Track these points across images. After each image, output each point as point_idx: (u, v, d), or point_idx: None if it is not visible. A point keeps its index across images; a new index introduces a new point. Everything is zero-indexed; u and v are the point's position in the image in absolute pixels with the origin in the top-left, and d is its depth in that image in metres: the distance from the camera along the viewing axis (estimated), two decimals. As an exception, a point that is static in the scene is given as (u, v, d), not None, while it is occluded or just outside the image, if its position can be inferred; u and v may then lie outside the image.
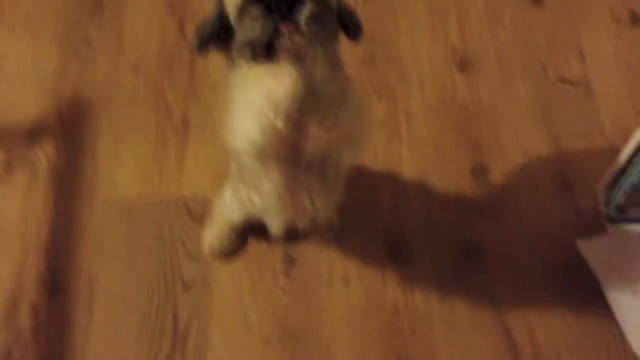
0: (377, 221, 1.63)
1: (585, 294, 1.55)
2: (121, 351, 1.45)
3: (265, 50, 1.01)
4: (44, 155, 1.69)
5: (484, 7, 2.00)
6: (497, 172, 1.72)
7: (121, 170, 1.68)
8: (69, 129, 1.74)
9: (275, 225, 1.36)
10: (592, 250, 1.57)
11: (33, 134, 1.73)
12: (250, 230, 1.54)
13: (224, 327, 1.50)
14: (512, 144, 1.76)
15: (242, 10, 1.02)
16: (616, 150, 1.62)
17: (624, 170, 1.55)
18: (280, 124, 0.99)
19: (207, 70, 1.86)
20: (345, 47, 1.89)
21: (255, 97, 0.99)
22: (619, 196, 1.56)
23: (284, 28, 1.00)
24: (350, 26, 1.13)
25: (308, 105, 0.99)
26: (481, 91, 1.85)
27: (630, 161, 1.52)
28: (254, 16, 1.00)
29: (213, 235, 1.56)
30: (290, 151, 1.07)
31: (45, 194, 1.64)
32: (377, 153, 1.73)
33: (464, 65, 1.89)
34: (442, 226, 1.64)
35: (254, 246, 1.59)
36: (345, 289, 1.55)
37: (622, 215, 1.59)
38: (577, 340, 1.51)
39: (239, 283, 1.55)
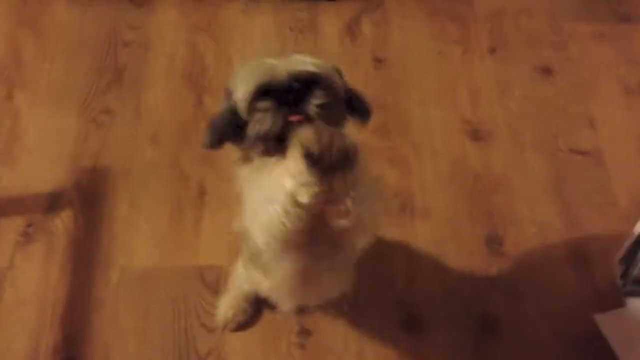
0: (392, 293, 1.63)
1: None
2: None
3: (277, 143, 1.02)
4: (62, 224, 1.72)
5: (494, 78, 2.04)
6: (512, 243, 1.72)
7: (138, 239, 1.70)
8: (87, 199, 1.77)
9: (285, 306, 1.38)
10: (609, 324, 1.56)
11: (52, 203, 1.75)
12: (264, 301, 1.54)
13: (238, 400, 1.50)
14: (526, 215, 1.77)
15: (251, 104, 1.04)
16: (630, 221, 1.63)
17: (638, 244, 1.55)
18: (301, 217, 0.98)
19: (224, 140, 1.89)
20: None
21: (274, 193, 0.98)
22: (636, 269, 1.56)
23: (294, 119, 1.01)
24: (359, 110, 1.15)
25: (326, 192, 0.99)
26: (493, 162, 1.87)
27: (644, 235, 1.53)
28: (264, 109, 1.03)
29: (227, 305, 1.56)
30: (308, 239, 1.06)
31: (63, 264, 1.65)
32: (390, 223, 1.74)
33: (476, 136, 1.92)
34: (457, 298, 1.63)
35: (268, 317, 1.59)
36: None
37: (638, 287, 1.59)
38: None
39: (253, 355, 1.54)
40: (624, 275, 1.61)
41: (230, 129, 1.08)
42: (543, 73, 2.07)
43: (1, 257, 1.65)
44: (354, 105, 1.14)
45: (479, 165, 1.86)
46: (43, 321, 1.56)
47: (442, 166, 1.86)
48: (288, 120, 1.02)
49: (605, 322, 1.57)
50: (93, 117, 1.92)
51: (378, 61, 2.08)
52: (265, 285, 1.30)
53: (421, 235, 1.73)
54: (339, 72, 1.12)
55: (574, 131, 1.94)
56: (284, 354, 1.54)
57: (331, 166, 0.93)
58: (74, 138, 1.88)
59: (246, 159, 1.11)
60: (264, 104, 1.03)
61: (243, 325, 1.57)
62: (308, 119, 1.02)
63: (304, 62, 1.06)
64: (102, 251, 1.68)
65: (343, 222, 1.02)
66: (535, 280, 1.66)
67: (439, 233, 1.73)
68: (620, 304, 1.60)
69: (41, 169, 1.82)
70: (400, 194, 1.80)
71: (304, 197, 0.95)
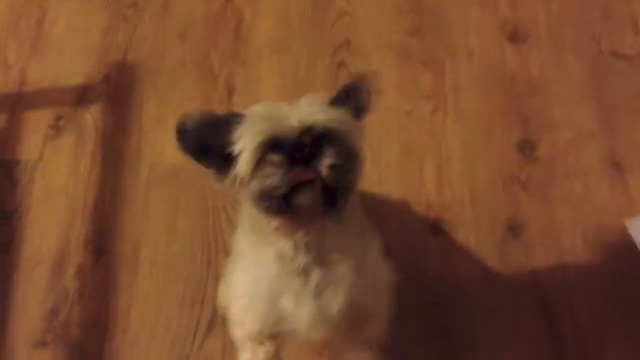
0: (421, 194, 1.62)
1: (631, 275, 1.52)
2: (164, 315, 1.47)
3: (282, 202, 0.93)
4: (92, 118, 1.72)
5: (536, -23, 1.95)
6: (545, 147, 1.68)
7: (167, 136, 1.68)
8: (116, 93, 1.76)
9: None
10: (638, 229, 1.54)
11: (81, 97, 1.75)
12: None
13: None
14: (562, 119, 1.73)
15: (259, 156, 0.93)
16: (669, 128, 1.58)
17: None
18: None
19: (252, 37, 1.86)
20: (391, 15, 1.88)
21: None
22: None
23: (305, 177, 0.91)
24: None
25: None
26: (531, 64, 1.81)
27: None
28: (273, 164, 0.92)
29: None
30: None
31: (93, 157, 1.66)
32: (422, 126, 1.71)
33: (515, 36, 1.85)
34: (486, 201, 1.61)
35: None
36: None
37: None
38: (621, 322, 1.48)
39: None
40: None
41: (211, 141, 0.95)
42: (587, -28, 1.97)
43: (31, 150, 1.67)
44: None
45: (516, 68, 1.81)
46: (74, 213, 1.59)
47: (478, 68, 1.81)
48: (298, 178, 0.91)
49: (636, 227, 1.54)
50: (121, 11, 1.89)
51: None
52: None
53: (452, 138, 1.70)
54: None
55: (616, 34, 1.86)
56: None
57: None
58: (102, 32, 1.86)
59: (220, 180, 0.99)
60: (273, 158, 0.92)
61: None
62: (320, 179, 0.91)
63: (319, 113, 0.94)
64: (131, 146, 1.68)
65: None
66: (567, 184, 1.63)
67: (471, 136, 1.70)
68: (653, 211, 1.57)
69: (70, 62, 1.81)
70: (433, 96, 1.76)
71: None
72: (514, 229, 1.58)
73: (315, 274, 1.02)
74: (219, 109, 1.73)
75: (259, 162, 0.92)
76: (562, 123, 1.72)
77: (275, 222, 0.98)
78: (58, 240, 1.55)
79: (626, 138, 1.69)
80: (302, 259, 1.01)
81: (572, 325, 1.47)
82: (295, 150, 0.91)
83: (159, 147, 1.68)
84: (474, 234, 1.58)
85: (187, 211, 1.60)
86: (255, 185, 0.93)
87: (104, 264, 1.53)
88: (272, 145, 0.92)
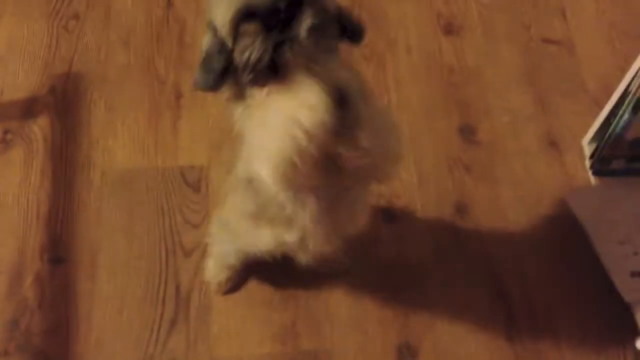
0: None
1: (575, 247, 1.60)
2: (126, 317, 1.49)
3: (267, 72, 0.92)
4: (40, 130, 1.72)
5: (467, -30, 2.03)
6: (485, 132, 1.75)
7: (117, 142, 1.71)
8: (63, 104, 1.76)
9: (304, 257, 1.24)
10: (579, 203, 1.62)
11: (28, 109, 1.75)
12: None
13: (225, 290, 1.55)
14: (499, 105, 1.80)
15: (236, 29, 0.92)
16: (600, 107, 1.67)
17: (607, 123, 1.60)
18: (312, 147, 0.86)
19: (196, 40, 1.88)
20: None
21: (279, 123, 0.87)
22: (604, 148, 1.61)
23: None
24: (351, 30, 1.02)
25: (340, 122, 0.89)
26: (467, 54, 1.88)
27: (613, 114, 1.57)
28: (251, 34, 0.91)
29: (216, 269, 1.50)
30: (325, 174, 0.96)
31: (43, 169, 1.66)
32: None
33: (450, 29, 1.92)
34: (433, 186, 1.68)
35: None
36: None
37: (607, 166, 1.64)
38: (569, 292, 1.56)
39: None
40: (592, 156, 1.66)
41: (223, 65, 0.95)
42: (515, -36, 2.06)
43: (-20, 164, 1.66)
44: (344, 26, 1.01)
45: (452, 59, 1.88)
46: (28, 224, 1.59)
47: (416, 60, 1.87)
48: (278, 44, 0.89)
49: (575, 201, 1.62)
50: (63, 23, 1.89)
51: (349, -44, 2.06)
52: (285, 240, 1.14)
53: (397, 128, 1.75)
54: None
55: (545, 21, 1.95)
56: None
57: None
58: (45, 45, 1.86)
59: (238, 96, 0.99)
60: (249, 27, 0.90)
61: (231, 290, 1.53)
62: (299, 42, 0.90)
63: None
64: (81, 154, 1.69)
65: (359, 162, 0.93)
66: (508, 165, 1.71)
67: (414, 125, 1.76)
68: (589, 184, 1.66)
69: (14, 77, 1.80)
70: (376, 89, 1.82)
71: (318, 130, 0.85)
72: (461, 210, 1.64)
73: None
74: (168, 113, 1.75)
75: (238, 35, 0.91)
76: (499, 108, 1.79)
77: (264, 92, 0.94)
78: (14, 252, 1.55)
79: (560, 118, 1.78)
80: None
81: (521, 292, 1.55)
82: (270, 16, 0.89)
83: (109, 153, 1.69)
84: (425, 217, 1.64)
85: (142, 214, 1.61)
86: (238, 59, 0.92)
87: (62, 271, 1.53)
88: (247, 14, 0.90)
